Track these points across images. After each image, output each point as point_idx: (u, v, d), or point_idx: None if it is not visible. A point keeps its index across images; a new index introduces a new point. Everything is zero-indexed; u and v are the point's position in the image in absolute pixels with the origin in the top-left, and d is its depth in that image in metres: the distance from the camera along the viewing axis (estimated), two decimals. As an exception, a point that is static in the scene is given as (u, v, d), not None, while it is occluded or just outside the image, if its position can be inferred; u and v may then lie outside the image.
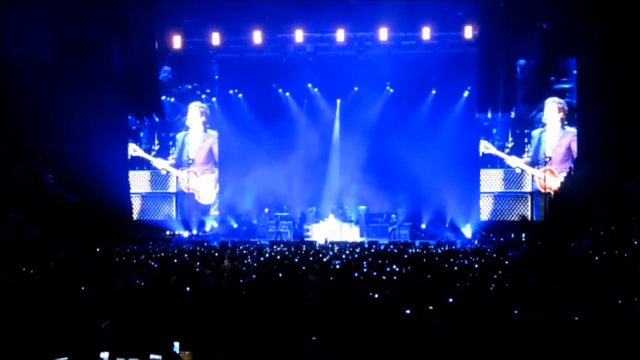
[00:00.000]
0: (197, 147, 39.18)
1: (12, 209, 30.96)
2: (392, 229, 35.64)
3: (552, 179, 35.53)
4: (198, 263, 21.53)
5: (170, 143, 39.06)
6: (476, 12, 32.16)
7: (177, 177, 38.91)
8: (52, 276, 18.03)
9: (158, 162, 38.83)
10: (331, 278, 16.95)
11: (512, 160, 36.09)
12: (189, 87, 38.31)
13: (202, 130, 39.13)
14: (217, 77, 38.68)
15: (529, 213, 36.47)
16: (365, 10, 32.58)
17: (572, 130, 35.76)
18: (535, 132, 36.18)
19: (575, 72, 33.98)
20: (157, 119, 35.09)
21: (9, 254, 24.75)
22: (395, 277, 17.22)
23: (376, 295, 14.06)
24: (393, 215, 36.09)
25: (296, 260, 22.69)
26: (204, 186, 39.12)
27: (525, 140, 36.27)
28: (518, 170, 36.34)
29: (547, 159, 35.48)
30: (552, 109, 35.41)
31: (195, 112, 38.74)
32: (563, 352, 10.00)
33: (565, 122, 35.84)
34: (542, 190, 35.59)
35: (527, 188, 36.43)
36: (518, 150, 36.49)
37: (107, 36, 32.72)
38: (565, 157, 35.92)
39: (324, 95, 39.44)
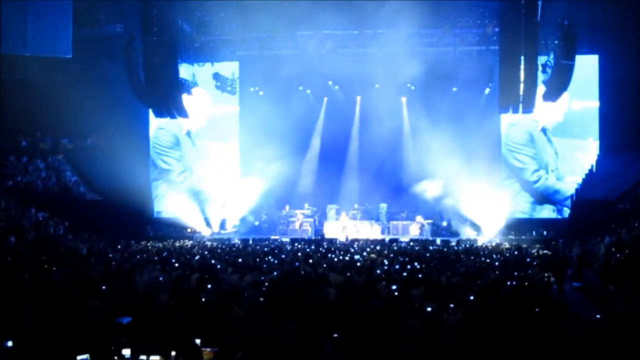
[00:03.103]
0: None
1: (35, 206, 31.14)
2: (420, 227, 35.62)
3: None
4: (213, 261, 21.60)
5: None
6: (497, 9, 31.97)
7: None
8: (74, 273, 18.11)
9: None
10: (352, 275, 16.96)
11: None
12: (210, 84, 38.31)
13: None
14: (238, 75, 38.63)
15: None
16: (387, 7, 32.42)
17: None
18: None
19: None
20: (177, 117, 35.05)
21: (32, 251, 24.88)
22: (416, 275, 17.22)
23: (397, 293, 14.07)
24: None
25: (317, 257, 22.72)
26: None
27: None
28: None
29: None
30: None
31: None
32: (584, 349, 9.98)
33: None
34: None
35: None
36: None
37: (127, 34, 32.75)
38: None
39: (344, 92, 39.47)
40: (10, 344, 9.46)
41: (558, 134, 35.80)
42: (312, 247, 28.33)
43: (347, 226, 35.58)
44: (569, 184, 35.48)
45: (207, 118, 38.94)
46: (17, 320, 10.91)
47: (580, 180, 34.96)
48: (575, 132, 35.84)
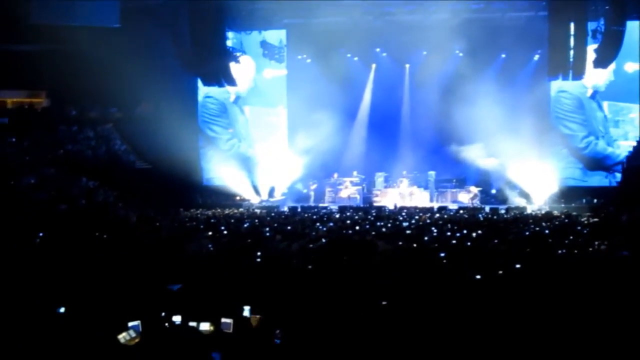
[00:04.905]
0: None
1: (85, 174, 31.43)
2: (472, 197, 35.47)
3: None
4: (263, 229, 21.69)
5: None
6: (546, -25, 31.66)
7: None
8: (124, 241, 18.27)
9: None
10: (401, 243, 16.94)
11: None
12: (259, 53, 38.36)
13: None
14: (285, 43, 38.60)
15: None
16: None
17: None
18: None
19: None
20: (225, 86, 35.11)
21: (82, 219, 25.14)
22: (464, 243, 17.16)
23: (445, 261, 14.03)
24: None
25: (365, 225, 22.71)
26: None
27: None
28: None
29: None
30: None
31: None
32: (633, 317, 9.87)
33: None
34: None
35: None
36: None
37: (175, 3, 32.86)
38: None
39: (392, 59, 39.27)
40: (62, 310, 9.57)
41: (610, 98, 35.36)
42: (360, 214, 28.34)
43: (403, 193, 35.54)
44: (620, 148, 35.08)
45: (252, 85, 39.02)
46: (68, 288, 11.02)
47: (631, 146, 34.53)
48: (628, 95, 35.35)
